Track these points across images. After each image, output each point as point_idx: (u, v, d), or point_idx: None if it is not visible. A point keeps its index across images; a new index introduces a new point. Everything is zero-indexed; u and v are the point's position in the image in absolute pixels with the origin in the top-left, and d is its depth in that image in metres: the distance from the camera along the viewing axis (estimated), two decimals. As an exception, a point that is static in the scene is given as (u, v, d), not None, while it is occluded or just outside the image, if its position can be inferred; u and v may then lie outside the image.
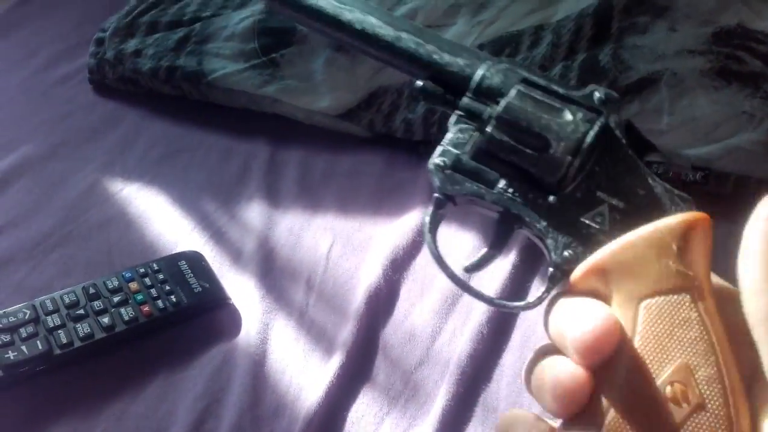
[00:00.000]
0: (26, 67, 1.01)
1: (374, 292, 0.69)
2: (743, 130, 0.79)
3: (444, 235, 0.40)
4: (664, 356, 0.30)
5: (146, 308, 0.65)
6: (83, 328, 0.63)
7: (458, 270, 0.38)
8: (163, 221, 0.78)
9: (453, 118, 0.39)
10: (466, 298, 0.70)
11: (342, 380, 0.62)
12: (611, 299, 0.32)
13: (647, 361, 0.30)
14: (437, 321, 0.67)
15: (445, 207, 0.38)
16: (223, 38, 0.93)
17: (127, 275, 0.68)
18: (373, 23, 0.41)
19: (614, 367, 0.30)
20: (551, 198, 0.36)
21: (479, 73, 0.39)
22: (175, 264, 0.70)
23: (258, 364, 0.64)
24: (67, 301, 0.65)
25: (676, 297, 0.31)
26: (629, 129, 0.37)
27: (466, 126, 0.38)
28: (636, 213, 0.34)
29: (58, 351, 0.62)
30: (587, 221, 0.35)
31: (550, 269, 0.35)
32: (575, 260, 0.34)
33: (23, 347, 0.61)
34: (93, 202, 0.80)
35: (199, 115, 0.92)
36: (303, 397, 0.61)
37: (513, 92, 0.37)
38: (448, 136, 0.38)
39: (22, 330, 0.62)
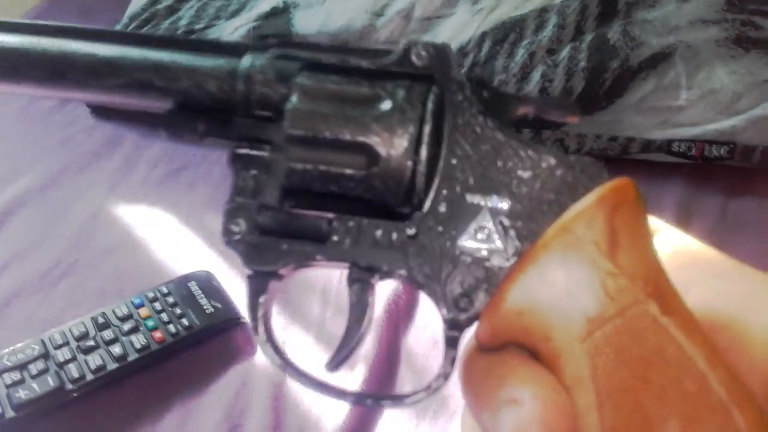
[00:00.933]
0: (22, 94, 0.99)
1: (393, 299, 0.66)
2: (766, 99, 0.75)
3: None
4: (645, 421, 0.21)
5: (158, 334, 0.63)
6: (94, 360, 0.61)
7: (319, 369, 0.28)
8: (171, 242, 0.76)
9: (229, 155, 0.27)
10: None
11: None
12: (540, 352, 0.23)
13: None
14: (461, 324, 0.64)
15: (266, 290, 0.26)
16: (218, 49, 0.90)
17: (136, 301, 0.65)
18: (72, 47, 0.28)
19: None
20: (408, 229, 0.25)
21: (242, 74, 0.27)
22: (184, 286, 0.68)
23: (278, 384, 0.61)
24: (76, 333, 0.63)
25: (630, 320, 0.22)
26: (482, 87, 0.26)
27: (254, 160, 0.26)
28: (532, 208, 0.24)
29: (70, 386, 0.59)
30: (468, 244, 0.24)
31: (445, 329, 0.25)
32: (473, 307, 0.24)
33: (34, 384, 0.59)
34: (98, 228, 0.78)
35: (201, 130, 0.89)
36: (327, 415, 0.58)
37: (295, 92, 0.26)
38: (235, 182, 0.26)
39: (31, 366, 0.60)
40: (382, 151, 0.25)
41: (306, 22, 0.90)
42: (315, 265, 0.26)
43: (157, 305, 0.65)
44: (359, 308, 0.27)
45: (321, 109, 0.25)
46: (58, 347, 0.61)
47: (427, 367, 0.62)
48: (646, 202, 0.24)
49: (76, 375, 0.59)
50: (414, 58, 0.26)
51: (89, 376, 0.60)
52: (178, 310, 0.65)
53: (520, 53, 0.83)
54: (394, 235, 0.25)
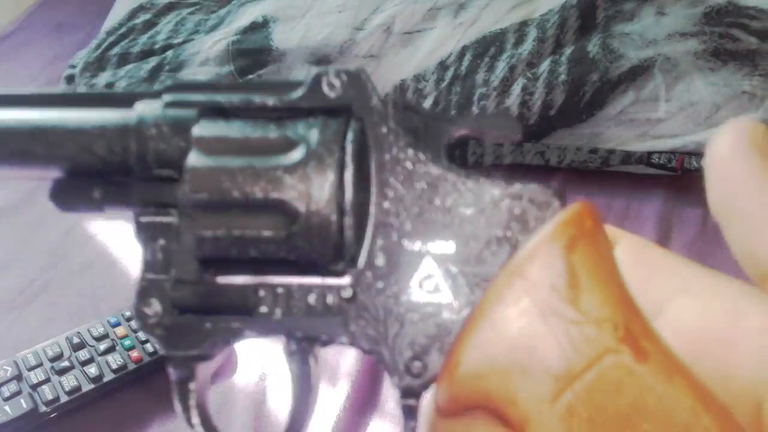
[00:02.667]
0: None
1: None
2: (745, 110, 0.76)
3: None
4: None
5: (135, 353, 0.61)
6: (69, 381, 0.59)
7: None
8: (149, 259, 0.75)
9: (134, 226, 0.24)
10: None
11: (349, 412, 0.58)
12: (508, 417, 0.21)
13: None
14: (444, 339, 0.63)
15: (193, 375, 0.24)
16: (197, 63, 0.90)
17: (112, 320, 0.64)
18: None
19: None
20: (344, 291, 0.23)
21: (133, 129, 0.24)
22: (162, 303, 0.66)
23: (258, 402, 0.60)
24: (50, 353, 0.61)
25: (602, 373, 0.20)
26: (409, 113, 0.24)
27: (161, 228, 0.24)
28: (480, 249, 0.22)
29: (43, 408, 0.58)
30: (414, 298, 0.22)
31: (399, 398, 0.23)
32: (427, 371, 0.22)
33: (6, 407, 0.57)
34: (73, 245, 0.77)
35: (179, 145, 0.88)
36: (309, 434, 0.57)
37: (193, 147, 0.23)
38: (143, 257, 0.24)
39: (3, 389, 0.58)
40: (300, 206, 0.22)
41: (285, 36, 0.90)
42: (245, 338, 0.24)
43: (134, 324, 0.64)
44: (303, 381, 0.24)
45: (225, 165, 0.23)
46: (31, 368, 0.60)
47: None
48: (603, 225, 0.22)
49: (50, 397, 0.58)
50: (326, 88, 0.23)
51: (64, 398, 0.58)
52: (155, 329, 0.63)
53: (501, 67, 0.83)
54: (329, 298, 0.23)
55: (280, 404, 0.60)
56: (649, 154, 0.77)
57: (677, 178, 0.78)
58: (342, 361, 0.62)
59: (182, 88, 0.24)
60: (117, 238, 0.77)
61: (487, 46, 0.85)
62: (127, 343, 0.62)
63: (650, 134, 0.78)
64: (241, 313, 0.23)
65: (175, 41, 0.94)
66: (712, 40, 0.80)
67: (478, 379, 0.21)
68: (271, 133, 0.23)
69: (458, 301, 0.22)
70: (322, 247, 0.22)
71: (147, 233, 0.24)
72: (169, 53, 0.91)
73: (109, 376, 0.60)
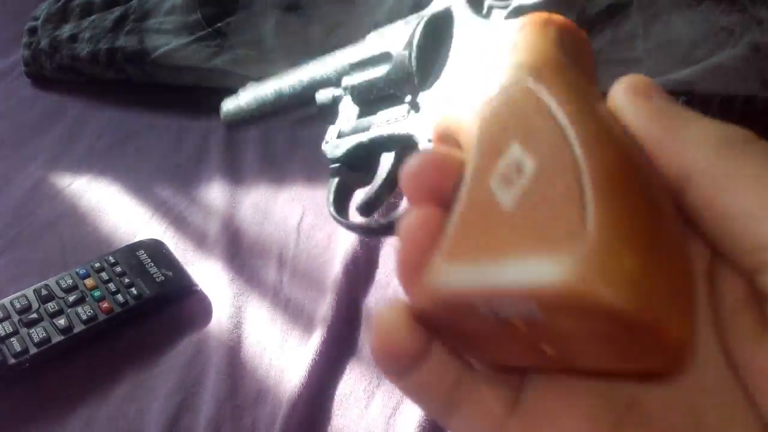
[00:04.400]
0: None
1: (351, 260, 0.64)
2: (723, 47, 0.75)
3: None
4: (497, 147, 0.23)
5: (105, 304, 0.60)
6: (38, 333, 0.58)
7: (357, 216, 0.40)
8: (118, 212, 0.73)
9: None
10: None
11: (325, 357, 0.57)
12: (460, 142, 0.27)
13: (480, 158, 0.23)
14: (421, 282, 0.62)
15: (341, 171, 0.43)
16: (163, 12, 0.87)
17: (81, 272, 0.62)
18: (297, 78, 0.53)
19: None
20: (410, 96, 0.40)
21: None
22: (133, 254, 0.65)
23: (233, 351, 0.59)
24: (18, 306, 0.59)
25: (509, 93, 0.24)
26: None
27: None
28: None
29: (12, 360, 0.56)
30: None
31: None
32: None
33: (-27, 361, 0.56)
34: (40, 200, 0.75)
35: (147, 98, 0.86)
36: (285, 379, 0.56)
37: None
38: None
39: (-30, 343, 0.56)
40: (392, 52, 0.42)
41: (254, -17, 0.87)
42: (367, 148, 0.43)
43: (104, 275, 0.62)
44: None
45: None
46: (-2, 322, 0.58)
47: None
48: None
49: (18, 349, 0.56)
50: None
51: (33, 350, 0.57)
52: (126, 279, 0.62)
53: (476, 10, 0.81)
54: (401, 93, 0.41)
55: (257, 351, 0.59)
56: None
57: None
58: (318, 308, 0.61)
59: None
60: (86, 193, 0.75)
61: (462, -11, 0.83)
62: (96, 294, 0.61)
63: (629, 74, 0.76)
64: (363, 130, 0.43)
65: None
66: (690, -23, 0.79)
67: (457, 119, 0.27)
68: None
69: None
70: (402, 74, 0.40)
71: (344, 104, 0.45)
72: (134, 2, 0.88)
73: (79, 327, 0.58)
